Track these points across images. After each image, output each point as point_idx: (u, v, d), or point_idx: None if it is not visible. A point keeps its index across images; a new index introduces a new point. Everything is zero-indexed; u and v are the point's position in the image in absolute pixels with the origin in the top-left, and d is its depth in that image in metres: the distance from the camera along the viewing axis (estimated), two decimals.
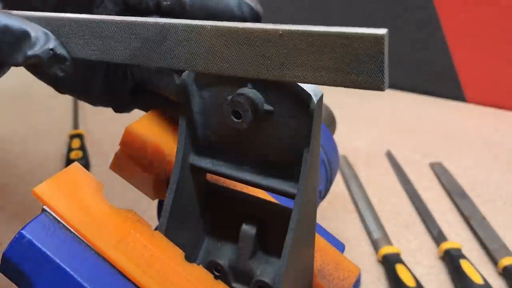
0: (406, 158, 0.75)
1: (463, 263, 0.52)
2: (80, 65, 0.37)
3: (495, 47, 0.92)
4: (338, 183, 0.68)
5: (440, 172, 0.72)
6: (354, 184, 0.68)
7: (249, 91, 0.25)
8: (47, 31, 0.28)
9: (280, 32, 0.22)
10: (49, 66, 0.28)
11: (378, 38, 0.20)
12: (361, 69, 0.21)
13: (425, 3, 0.93)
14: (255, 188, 0.29)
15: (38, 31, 0.28)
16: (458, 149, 0.79)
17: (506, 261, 0.53)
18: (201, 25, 0.24)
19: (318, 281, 0.32)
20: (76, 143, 0.72)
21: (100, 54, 0.28)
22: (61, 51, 0.28)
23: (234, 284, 0.30)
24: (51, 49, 0.28)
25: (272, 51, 0.23)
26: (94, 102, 0.39)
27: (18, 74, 0.40)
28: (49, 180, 0.28)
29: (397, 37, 0.98)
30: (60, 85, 0.38)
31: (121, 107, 0.39)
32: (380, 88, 0.21)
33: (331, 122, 0.56)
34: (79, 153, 0.69)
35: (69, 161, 0.68)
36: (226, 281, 0.29)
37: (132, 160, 0.34)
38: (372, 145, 0.79)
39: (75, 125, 0.78)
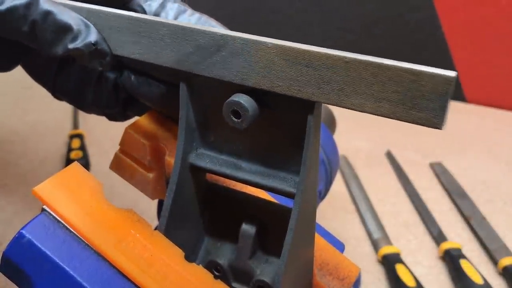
0: (406, 158, 0.75)
1: (463, 263, 0.52)
2: (74, 73, 0.37)
3: (495, 47, 0.92)
4: (338, 183, 0.68)
5: (440, 172, 0.72)
6: (354, 184, 0.68)
7: (249, 91, 0.25)
8: (89, 23, 0.28)
9: (346, 60, 0.22)
10: (89, 60, 0.28)
11: (448, 79, 0.20)
12: (424, 106, 0.21)
13: (425, 3, 0.93)
14: (255, 188, 0.29)
15: (80, 23, 0.27)
16: (458, 149, 0.79)
17: (506, 261, 0.53)
18: (262, 41, 0.24)
19: (318, 281, 0.31)
20: (76, 143, 0.72)
21: (144, 54, 0.27)
22: (103, 46, 0.28)
23: (234, 284, 0.30)
24: (93, 44, 0.27)
25: (334, 76, 0.23)
26: (87, 110, 0.39)
27: (18, 74, 0.40)
28: (49, 180, 0.28)
29: (397, 37, 0.98)
30: (56, 91, 0.38)
31: (112, 117, 0.39)
32: (439, 127, 0.21)
33: (331, 122, 0.56)
34: (79, 153, 0.69)
35: (69, 161, 0.67)
36: (226, 281, 0.29)
37: (132, 160, 0.34)
38: (372, 145, 0.79)
39: (75, 125, 0.78)
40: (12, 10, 0.26)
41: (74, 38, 0.27)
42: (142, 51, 0.27)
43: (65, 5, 0.28)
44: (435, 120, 0.21)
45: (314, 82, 0.23)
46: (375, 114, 0.22)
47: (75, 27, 0.27)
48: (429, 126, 0.21)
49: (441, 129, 0.21)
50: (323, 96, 0.23)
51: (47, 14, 0.26)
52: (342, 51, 0.22)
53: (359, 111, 0.23)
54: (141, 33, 0.27)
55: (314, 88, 0.23)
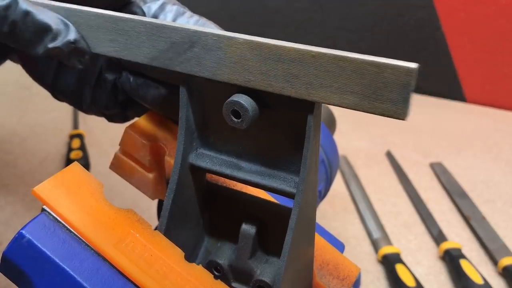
0: (406, 158, 0.75)
1: (463, 263, 0.52)
2: (73, 74, 0.37)
3: (495, 47, 0.92)
4: (338, 183, 0.68)
5: (440, 172, 0.72)
6: (354, 184, 0.68)
7: (249, 92, 0.25)
8: (68, 22, 0.28)
9: (313, 54, 0.23)
10: (68, 58, 0.28)
11: (409, 71, 0.21)
12: (387, 98, 0.22)
13: (425, 3, 0.93)
14: (255, 188, 0.29)
15: (59, 23, 0.28)
16: (458, 149, 0.79)
17: (506, 261, 0.53)
18: (233, 37, 0.24)
19: (318, 281, 0.31)
20: (76, 143, 0.72)
21: (121, 51, 0.28)
22: (81, 44, 0.28)
23: (234, 284, 0.30)
24: (72, 42, 0.28)
25: (302, 70, 0.23)
26: (86, 111, 0.39)
27: (18, 75, 0.40)
28: (49, 180, 0.28)
29: (397, 37, 0.98)
30: (56, 92, 0.38)
31: (112, 118, 0.39)
32: (402, 118, 0.22)
33: (331, 122, 0.56)
34: (79, 153, 0.69)
35: (69, 161, 0.67)
36: (225, 281, 0.29)
37: (132, 160, 0.34)
38: (372, 145, 0.79)
39: (75, 125, 0.78)
40: None
41: (54, 38, 0.27)
42: (119, 48, 0.28)
43: (44, 5, 0.28)
44: (398, 111, 0.22)
45: (284, 77, 0.24)
46: (341, 106, 0.23)
47: (54, 26, 0.27)
48: (393, 117, 0.22)
49: (404, 120, 0.22)
50: (292, 91, 0.24)
51: (27, 14, 0.27)
52: (309, 46, 0.23)
53: (326, 103, 0.23)
54: (119, 31, 0.27)
55: (283, 82, 0.24)
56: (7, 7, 0.26)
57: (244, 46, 0.24)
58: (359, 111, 0.23)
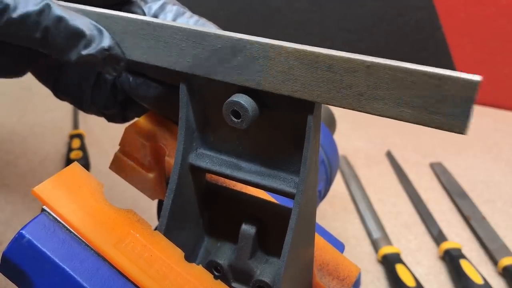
0: (406, 158, 0.75)
1: (463, 263, 0.52)
2: (74, 73, 0.37)
3: (495, 47, 0.92)
4: (338, 183, 0.68)
5: (440, 172, 0.72)
6: (354, 184, 0.68)
7: (249, 92, 0.25)
8: (102, 28, 0.27)
9: (368, 64, 0.22)
10: (103, 65, 0.28)
11: (472, 84, 0.20)
12: (447, 111, 0.21)
13: (425, 3, 0.93)
14: (255, 188, 0.29)
15: (93, 28, 0.27)
16: (458, 149, 0.79)
17: (506, 261, 0.53)
18: (281, 46, 0.23)
19: (318, 281, 0.31)
20: (76, 143, 0.72)
21: (159, 60, 0.27)
22: (116, 51, 0.27)
23: (233, 284, 0.30)
24: (106, 49, 0.27)
25: (354, 81, 0.22)
26: (86, 111, 0.39)
27: None
28: (49, 180, 0.28)
29: (397, 37, 0.98)
30: (57, 91, 0.38)
31: (111, 118, 0.39)
32: (462, 132, 0.21)
33: (331, 122, 0.56)
34: (79, 153, 0.69)
35: (69, 161, 0.67)
36: (225, 281, 0.29)
37: (132, 160, 0.34)
38: (372, 145, 0.79)
39: (75, 125, 0.78)
40: (24, 17, 0.26)
41: (87, 44, 0.27)
42: (157, 56, 0.27)
43: (77, 10, 0.28)
44: (457, 125, 0.21)
45: (334, 87, 0.23)
46: (397, 119, 0.22)
47: (88, 32, 0.27)
48: (451, 131, 0.21)
49: (464, 134, 0.21)
50: (343, 101, 0.23)
51: (60, 20, 0.26)
52: (363, 55, 0.22)
53: (379, 115, 0.22)
54: (156, 38, 0.26)
55: (333, 93, 0.23)
56: (40, 12, 0.26)
57: (292, 55, 0.23)
58: (417, 124, 0.22)
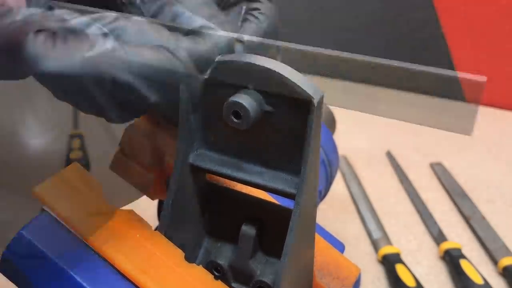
0: (406, 158, 0.75)
1: (463, 263, 0.52)
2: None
3: (495, 47, 0.92)
4: (338, 183, 0.68)
5: (440, 172, 0.72)
6: (354, 184, 0.68)
7: (249, 92, 0.25)
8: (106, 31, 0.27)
9: (373, 65, 0.22)
10: None
11: (479, 84, 0.20)
12: (452, 113, 0.21)
13: (425, 3, 0.93)
14: (255, 188, 0.29)
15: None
16: (458, 149, 0.79)
17: (506, 261, 0.53)
18: (281, 46, 0.24)
19: (318, 281, 0.31)
20: (76, 143, 0.72)
21: None
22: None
23: (234, 284, 0.30)
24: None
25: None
26: (85, 111, 0.39)
27: None
28: (49, 180, 0.28)
29: (397, 37, 0.98)
30: (58, 91, 0.38)
31: (111, 119, 0.39)
32: (467, 133, 0.21)
33: (331, 122, 0.56)
34: (79, 153, 0.69)
35: (69, 161, 0.68)
36: (225, 281, 0.29)
37: (132, 160, 0.34)
38: (372, 145, 0.79)
39: (75, 125, 0.78)
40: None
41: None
42: None
43: (77, 10, 0.28)
44: (463, 126, 0.21)
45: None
46: (403, 120, 0.22)
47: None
48: (458, 132, 0.21)
49: (469, 135, 0.21)
50: (347, 103, 0.23)
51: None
52: (366, 56, 0.22)
53: (386, 117, 0.22)
54: None
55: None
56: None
57: (292, 55, 0.24)
58: (423, 125, 0.22)
